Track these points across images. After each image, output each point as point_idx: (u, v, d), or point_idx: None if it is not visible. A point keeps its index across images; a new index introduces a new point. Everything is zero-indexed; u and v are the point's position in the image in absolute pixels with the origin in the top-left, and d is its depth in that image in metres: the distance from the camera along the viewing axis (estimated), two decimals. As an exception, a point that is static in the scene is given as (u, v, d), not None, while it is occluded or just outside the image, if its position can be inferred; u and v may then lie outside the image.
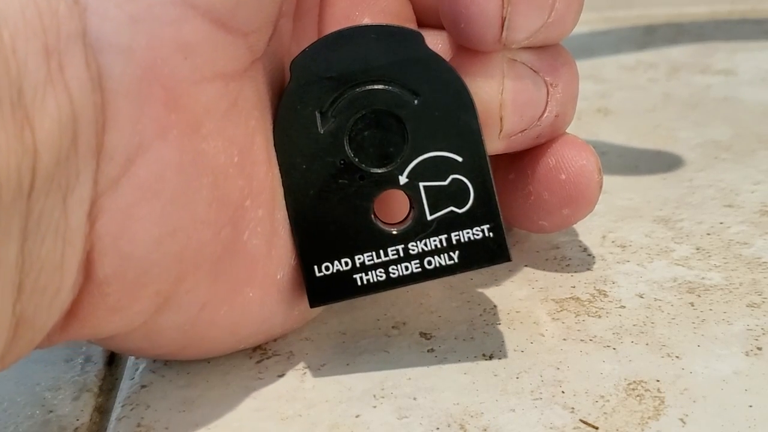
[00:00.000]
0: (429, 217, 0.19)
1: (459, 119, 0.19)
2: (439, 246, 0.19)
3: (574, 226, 0.26)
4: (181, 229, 0.18)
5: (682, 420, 0.18)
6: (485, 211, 0.19)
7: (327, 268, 0.20)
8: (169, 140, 0.17)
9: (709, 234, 0.25)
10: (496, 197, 0.19)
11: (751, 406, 0.19)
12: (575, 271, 0.24)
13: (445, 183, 0.19)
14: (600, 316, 0.22)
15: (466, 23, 0.20)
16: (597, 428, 0.18)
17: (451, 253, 0.19)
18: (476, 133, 0.19)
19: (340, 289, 0.20)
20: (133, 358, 0.22)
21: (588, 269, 0.24)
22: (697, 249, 0.25)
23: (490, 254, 0.19)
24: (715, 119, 0.33)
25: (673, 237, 0.25)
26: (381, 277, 0.20)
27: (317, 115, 0.19)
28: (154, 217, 0.17)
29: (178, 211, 0.18)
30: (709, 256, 0.24)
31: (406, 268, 0.19)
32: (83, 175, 0.16)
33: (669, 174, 0.29)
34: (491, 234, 0.19)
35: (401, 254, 0.19)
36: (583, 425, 0.18)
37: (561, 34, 0.21)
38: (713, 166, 0.30)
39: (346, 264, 0.20)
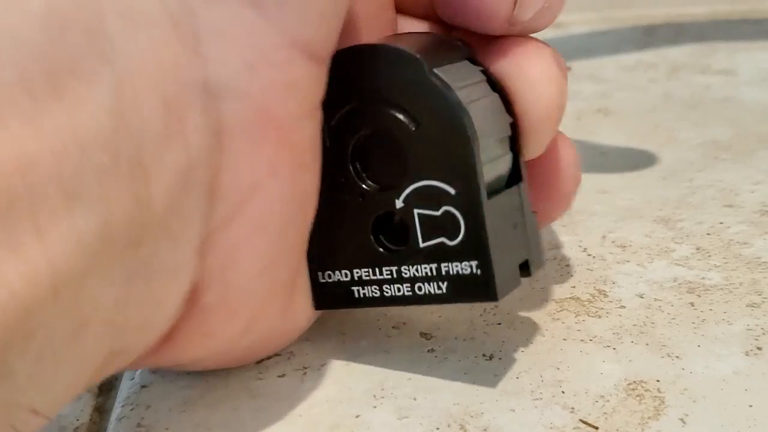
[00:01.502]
0: (420, 245, 0.19)
1: (457, 153, 0.18)
2: (429, 274, 0.19)
3: (574, 225, 0.26)
4: (279, 259, 0.18)
5: (682, 420, 0.18)
6: (474, 247, 0.19)
7: (329, 276, 0.20)
8: (280, 177, 0.17)
9: (709, 234, 0.25)
10: (488, 235, 0.19)
11: (751, 406, 0.19)
12: (575, 271, 0.24)
13: (438, 213, 0.19)
14: (600, 316, 0.22)
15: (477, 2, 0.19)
16: (597, 428, 0.18)
17: (440, 283, 0.19)
18: (472, 168, 0.18)
19: (340, 298, 0.20)
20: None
21: (588, 269, 0.24)
22: (697, 249, 0.25)
23: (477, 291, 0.19)
24: (715, 119, 0.33)
25: (673, 237, 0.25)
26: (376, 293, 0.20)
27: (325, 128, 0.19)
28: (260, 250, 0.18)
29: (281, 243, 0.18)
30: (709, 256, 0.24)
31: (398, 289, 0.20)
32: (195, 217, 0.16)
33: (669, 174, 0.29)
34: (479, 271, 0.19)
35: (394, 275, 0.19)
36: (583, 425, 0.18)
37: (551, 19, 0.20)
38: (713, 166, 0.30)
39: (346, 275, 0.20)
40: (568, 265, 0.24)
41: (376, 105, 0.19)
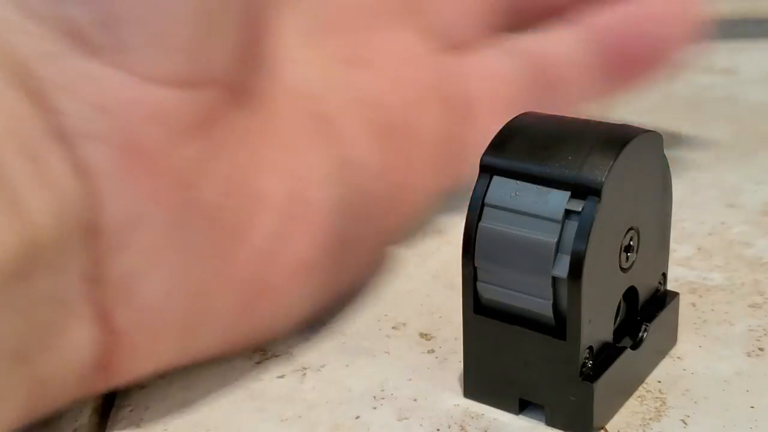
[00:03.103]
0: None
1: None
2: None
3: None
4: (192, 272, 0.19)
5: (683, 421, 0.18)
6: None
7: None
8: (163, 203, 0.18)
9: (710, 234, 0.25)
10: (465, 339, 0.19)
11: (752, 407, 0.19)
12: (576, 272, 0.24)
13: None
14: (601, 317, 0.22)
15: None
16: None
17: None
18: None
19: None
20: (132, 359, 0.22)
21: (589, 269, 0.24)
22: (699, 249, 0.25)
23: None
24: (716, 119, 0.33)
25: (675, 237, 0.25)
26: None
27: None
28: (162, 272, 0.18)
29: (186, 260, 0.18)
30: (711, 256, 0.24)
31: None
32: (75, 251, 0.17)
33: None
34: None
35: None
36: (584, 426, 0.18)
37: None
38: (715, 165, 0.29)
39: None
40: (569, 266, 0.24)
41: None
